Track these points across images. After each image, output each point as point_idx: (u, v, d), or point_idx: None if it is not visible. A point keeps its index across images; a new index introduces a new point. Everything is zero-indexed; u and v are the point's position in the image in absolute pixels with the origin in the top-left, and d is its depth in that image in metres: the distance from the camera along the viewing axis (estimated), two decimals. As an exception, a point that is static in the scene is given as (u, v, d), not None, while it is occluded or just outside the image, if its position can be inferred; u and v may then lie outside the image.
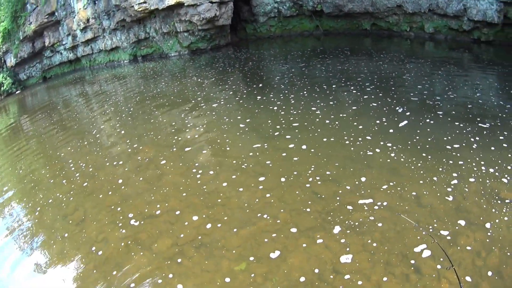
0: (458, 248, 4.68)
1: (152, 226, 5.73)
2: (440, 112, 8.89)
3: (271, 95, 10.03)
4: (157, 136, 9.01)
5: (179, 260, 4.99)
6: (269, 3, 16.56)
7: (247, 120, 8.65)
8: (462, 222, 5.08)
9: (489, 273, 4.29)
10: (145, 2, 17.31)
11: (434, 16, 15.79)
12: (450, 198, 5.66)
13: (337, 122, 8.32)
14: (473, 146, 7.19)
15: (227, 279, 4.61)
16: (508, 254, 4.52)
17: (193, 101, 10.73)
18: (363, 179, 6.32)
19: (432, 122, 8.37)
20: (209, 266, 4.83)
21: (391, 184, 6.16)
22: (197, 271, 4.81)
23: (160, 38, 19.49)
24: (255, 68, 13.09)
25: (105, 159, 8.49)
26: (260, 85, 10.89)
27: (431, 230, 5.05)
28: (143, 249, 5.29)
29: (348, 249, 4.84)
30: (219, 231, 5.37)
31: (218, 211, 5.81)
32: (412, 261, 4.54)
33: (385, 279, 4.35)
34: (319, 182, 6.31)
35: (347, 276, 4.44)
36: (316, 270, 4.55)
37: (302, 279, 4.47)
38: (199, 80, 13.07)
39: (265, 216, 5.56)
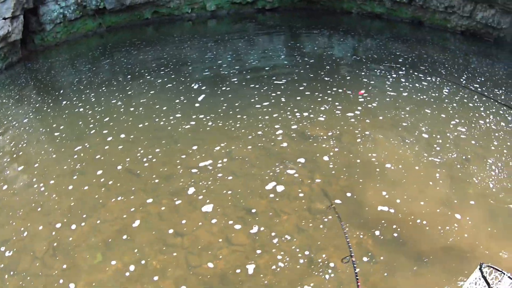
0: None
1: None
2: (235, 79, 9.91)
3: (74, 99, 10.12)
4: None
5: None
6: (55, 10, 16.08)
7: (61, 128, 8.67)
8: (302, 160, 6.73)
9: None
10: None
11: None
12: (284, 144, 7.29)
13: (140, 108, 9.03)
14: (282, 99, 8.92)
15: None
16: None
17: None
18: (194, 147, 7.27)
19: (228, 89, 9.39)
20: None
21: (222, 145, 7.29)
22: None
23: None
24: (51, 77, 12.85)
25: None
26: (61, 91, 10.87)
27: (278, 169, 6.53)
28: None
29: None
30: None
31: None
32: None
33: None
34: (154, 160, 7.03)
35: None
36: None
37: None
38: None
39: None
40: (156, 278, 4.80)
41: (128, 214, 5.82)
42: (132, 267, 4.95)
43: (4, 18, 14.28)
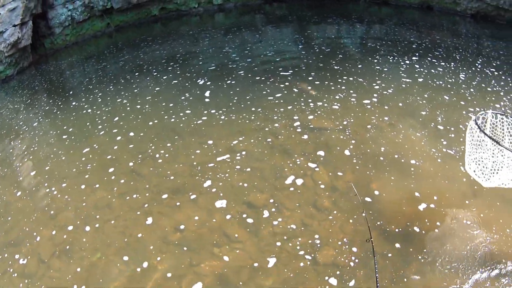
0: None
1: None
2: (242, 72, 9.70)
3: (83, 99, 9.97)
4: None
5: None
6: (63, 13, 15.99)
7: (70, 130, 8.56)
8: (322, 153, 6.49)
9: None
10: None
11: None
12: (305, 137, 7.16)
13: (147, 106, 8.91)
14: (294, 90, 8.95)
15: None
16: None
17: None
18: (210, 142, 7.18)
19: (237, 82, 9.24)
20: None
21: (239, 139, 7.17)
22: None
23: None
24: (61, 79, 12.77)
25: None
26: (71, 92, 10.77)
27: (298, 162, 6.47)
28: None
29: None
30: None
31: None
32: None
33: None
34: (166, 155, 6.96)
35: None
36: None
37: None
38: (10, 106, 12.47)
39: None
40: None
41: (142, 211, 5.75)
42: (145, 264, 4.92)
43: (14, 25, 14.27)
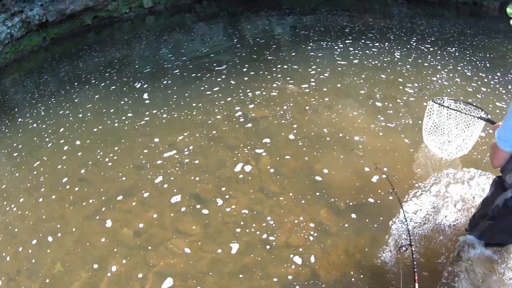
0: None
1: None
2: (177, 71, 10.00)
3: (27, 115, 9.84)
4: None
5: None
6: (3, 31, 15.60)
7: (19, 146, 8.39)
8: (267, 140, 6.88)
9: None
10: None
11: None
12: (249, 125, 7.53)
13: (89, 114, 9.01)
14: (231, 82, 9.45)
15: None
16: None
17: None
18: (156, 140, 7.45)
19: (173, 81, 9.70)
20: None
21: (184, 134, 7.49)
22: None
23: None
24: (5, 98, 12.49)
25: None
26: (16, 109, 10.58)
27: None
28: None
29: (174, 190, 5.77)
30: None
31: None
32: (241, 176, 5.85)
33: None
34: (115, 158, 7.14)
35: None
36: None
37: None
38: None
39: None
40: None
41: (98, 216, 5.83)
42: (105, 269, 4.98)
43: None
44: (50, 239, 5.59)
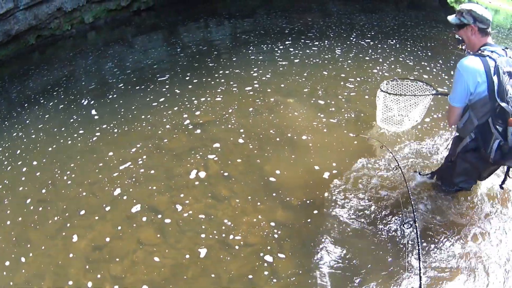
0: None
1: None
2: (121, 85, 10.37)
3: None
4: None
5: None
6: None
7: None
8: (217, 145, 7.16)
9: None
10: None
11: (93, 6, 16.28)
12: (198, 131, 7.74)
13: (41, 134, 9.07)
14: (176, 91, 9.72)
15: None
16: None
17: None
18: (110, 154, 7.62)
19: (115, 96, 9.94)
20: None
21: (137, 146, 7.74)
22: None
23: None
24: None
25: None
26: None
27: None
28: None
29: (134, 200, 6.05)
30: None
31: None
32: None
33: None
34: (73, 175, 7.22)
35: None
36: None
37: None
38: None
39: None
40: None
41: (63, 235, 5.94)
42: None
43: None
44: (23, 259, 5.66)
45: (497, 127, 4.09)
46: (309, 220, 5.58)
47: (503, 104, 3.95)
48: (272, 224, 5.56)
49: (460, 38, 4.66)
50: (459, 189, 5.42)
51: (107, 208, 6.27)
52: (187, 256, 5.23)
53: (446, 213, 5.37)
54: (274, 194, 6.10)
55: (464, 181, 5.19)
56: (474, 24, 4.40)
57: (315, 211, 5.70)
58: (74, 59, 13.58)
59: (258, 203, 5.94)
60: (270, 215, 5.72)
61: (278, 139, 7.44)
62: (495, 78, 3.99)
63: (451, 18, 4.65)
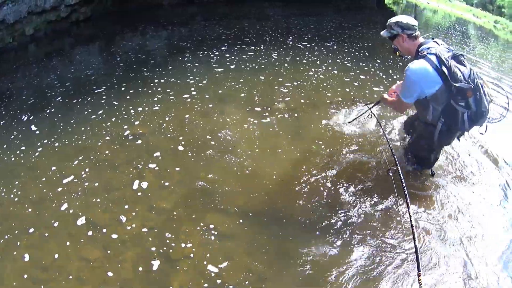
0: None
1: None
2: (59, 98, 10.39)
3: None
4: None
5: None
6: None
7: None
8: (158, 154, 7.34)
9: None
10: None
11: (34, 17, 15.92)
12: (138, 142, 8.03)
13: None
14: (114, 102, 9.82)
15: None
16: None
17: None
18: (53, 168, 7.58)
19: (53, 110, 9.84)
20: None
21: (80, 158, 7.69)
22: None
23: None
24: None
25: None
26: None
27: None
28: None
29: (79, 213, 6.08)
30: None
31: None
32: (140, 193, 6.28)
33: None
34: (19, 193, 7.06)
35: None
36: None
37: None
38: None
39: None
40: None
41: (9, 255, 5.74)
42: None
43: None
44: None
45: (460, 103, 4.71)
46: (247, 226, 5.83)
47: (458, 84, 4.57)
48: (213, 232, 5.74)
49: (396, 47, 5.45)
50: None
51: (55, 224, 6.24)
52: (130, 270, 5.29)
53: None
54: (210, 201, 6.32)
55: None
56: (403, 33, 5.20)
57: (253, 217, 5.96)
58: (17, 72, 13.20)
59: (194, 213, 6.12)
60: (208, 223, 5.90)
61: (215, 145, 7.70)
62: (444, 69, 4.61)
63: (383, 32, 5.51)
